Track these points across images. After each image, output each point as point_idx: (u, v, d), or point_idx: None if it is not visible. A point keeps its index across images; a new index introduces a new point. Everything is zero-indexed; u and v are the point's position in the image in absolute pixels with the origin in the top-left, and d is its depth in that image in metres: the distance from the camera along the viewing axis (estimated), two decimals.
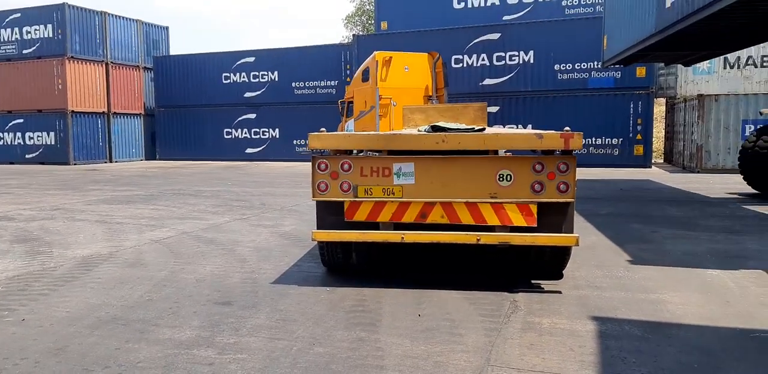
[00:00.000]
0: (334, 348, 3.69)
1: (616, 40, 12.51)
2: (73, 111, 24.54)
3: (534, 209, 4.89)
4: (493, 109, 20.79)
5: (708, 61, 20.90)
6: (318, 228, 5.21)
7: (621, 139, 20.24)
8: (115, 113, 26.22)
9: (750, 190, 11.89)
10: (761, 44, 20.54)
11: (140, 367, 3.43)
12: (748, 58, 20.67)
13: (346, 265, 5.57)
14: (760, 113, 14.41)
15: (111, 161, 25.79)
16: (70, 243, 7.22)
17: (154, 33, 28.76)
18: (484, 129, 5.60)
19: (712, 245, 6.88)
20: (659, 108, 26.93)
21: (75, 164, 24.24)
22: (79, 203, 11.28)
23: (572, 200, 4.88)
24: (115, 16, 26.54)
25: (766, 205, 10.25)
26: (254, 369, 3.38)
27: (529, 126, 20.72)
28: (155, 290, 5.09)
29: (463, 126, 5.85)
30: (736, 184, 13.06)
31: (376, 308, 4.53)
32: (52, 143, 24.99)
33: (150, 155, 27.42)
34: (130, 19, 27.29)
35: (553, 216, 4.93)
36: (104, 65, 25.91)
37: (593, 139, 20.49)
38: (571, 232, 4.95)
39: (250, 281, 5.38)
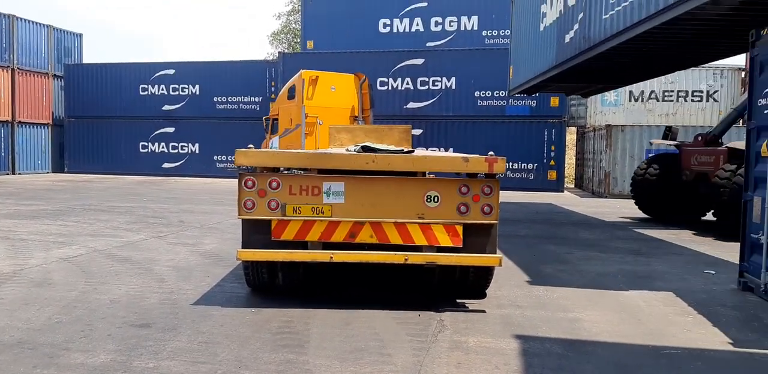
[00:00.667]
0: (260, 371, 3.59)
1: (521, 71, 13.17)
2: None
3: (460, 230, 4.99)
4: (417, 132, 21.15)
5: (615, 94, 22.44)
6: (243, 247, 5.08)
7: (536, 164, 21.10)
8: (20, 121, 24.65)
9: (642, 214, 12.69)
10: (662, 79, 22.36)
11: None
12: (651, 92, 22.28)
13: (271, 285, 5.45)
14: (650, 143, 15.62)
15: (14, 173, 24.13)
16: None
17: (67, 40, 27.44)
18: (412, 151, 5.70)
19: (622, 266, 7.26)
20: (571, 136, 28.38)
21: None
22: None
23: (496, 221, 5.03)
24: (24, 20, 25.15)
25: (660, 228, 10.93)
26: None
27: (451, 149, 21.27)
28: (65, 311, 4.78)
29: (393, 147, 5.92)
30: (635, 209, 13.90)
31: (303, 329, 4.46)
32: None
33: (58, 168, 25.89)
34: (40, 24, 25.91)
35: (478, 237, 5.06)
36: (10, 71, 24.40)
37: (510, 163, 21.22)
38: (495, 253, 5.09)
39: (170, 302, 5.16)
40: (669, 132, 12.79)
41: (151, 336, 4.19)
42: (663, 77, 22.23)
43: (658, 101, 22.31)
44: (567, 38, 9.25)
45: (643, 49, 8.19)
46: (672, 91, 22.24)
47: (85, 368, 3.58)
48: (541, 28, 10.95)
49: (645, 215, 12.55)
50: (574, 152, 25.91)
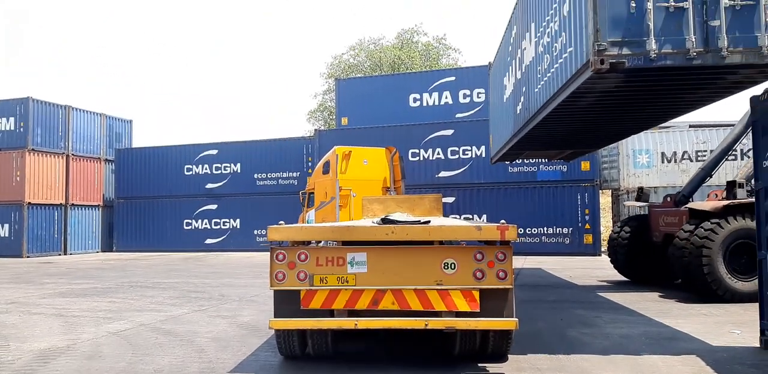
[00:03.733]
0: None
1: (495, 140, 13.75)
2: (29, 203, 24.39)
3: (477, 295, 5.30)
4: (449, 199, 21.67)
5: (647, 156, 22.71)
6: (275, 316, 5.48)
7: (571, 228, 21.13)
8: (72, 204, 26.12)
9: (618, 277, 12.59)
10: (693, 139, 22.59)
11: None
12: (684, 152, 22.45)
13: (302, 353, 5.79)
14: (624, 205, 15.52)
15: (66, 254, 25.32)
16: (27, 337, 7.23)
17: (118, 126, 29.41)
18: (429, 222, 6.11)
19: (646, 328, 7.32)
20: (606, 199, 28.35)
21: (28, 257, 23.72)
22: (34, 296, 11.17)
23: (511, 286, 5.33)
24: (79, 109, 27.18)
25: (628, 291, 10.80)
26: None
27: (484, 216, 21.58)
28: None
29: (412, 218, 6.35)
30: None
31: None
32: (6, 235, 24.54)
33: (106, 247, 27.06)
34: (93, 113, 27.93)
35: (495, 301, 5.34)
36: (65, 157, 26.14)
37: (545, 228, 21.35)
38: (512, 316, 5.35)
39: (208, 370, 5.53)
40: (642, 194, 12.87)
41: None
42: (694, 137, 22.61)
43: (691, 161, 22.33)
44: (518, 109, 9.80)
45: (573, 125, 8.67)
46: (705, 151, 22.30)
47: None
48: (504, 100, 11.54)
49: (620, 278, 12.45)
50: (610, 215, 25.84)
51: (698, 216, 9.74)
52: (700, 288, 9.40)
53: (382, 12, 68.62)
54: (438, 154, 22.57)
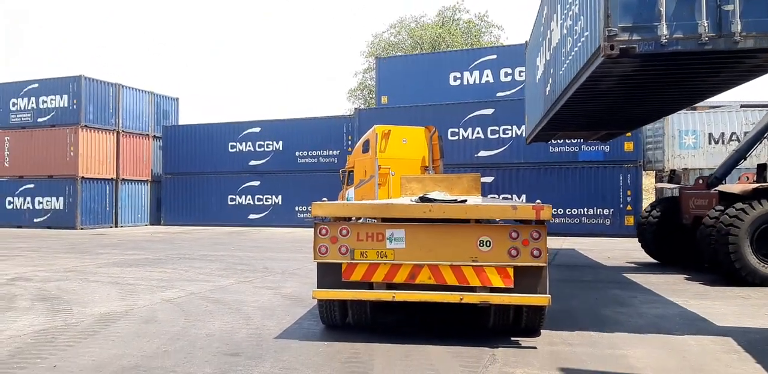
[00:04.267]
0: None
1: (530, 120, 13.67)
2: (83, 177, 25.46)
3: (511, 271, 5.51)
4: (488, 179, 21.69)
5: (694, 137, 22.21)
6: (318, 287, 5.81)
7: (612, 209, 20.95)
8: (123, 179, 27.15)
9: (649, 259, 12.48)
10: (743, 120, 21.97)
11: None
12: (732, 134, 21.87)
13: (343, 322, 6.12)
14: (656, 186, 15.15)
15: (117, 226, 26.42)
16: (87, 302, 7.77)
17: (165, 103, 30.24)
18: (465, 200, 6.30)
19: (683, 310, 7.41)
20: (650, 180, 27.88)
21: (82, 229, 24.87)
22: (90, 265, 11.85)
23: (545, 264, 5.51)
24: (128, 87, 28.06)
25: (656, 273, 10.78)
26: None
27: (523, 196, 21.55)
28: (170, 343, 5.62)
29: (449, 197, 6.55)
30: None
31: (368, 359, 5.07)
32: (61, 207, 25.73)
33: (155, 220, 28.10)
34: (142, 91, 28.81)
35: (528, 278, 5.54)
36: (115, 134, 27.10)
37: (585, 209, 21.23)
38: (545, 293, 5.54)
39: (256, 336, 5.92)
40: (673, 175, 12.67)
41: (241, 363, 4.93)
42: (743, 118, 21.98)
43: (739, 142, 21.76)
44: (547, 90, 9.76)
45: (593, 101, 8.61)
46: None
47: None
48: (537, 80, 11.48)
49: (650, 260, 12.37)
50: (654, 196, 25.46)
51: (727, 199, 9.66)
52: (726, 272, 9.36)
53: None
54: (478, 133, 22.54)
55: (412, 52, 39.68)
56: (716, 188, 10.37)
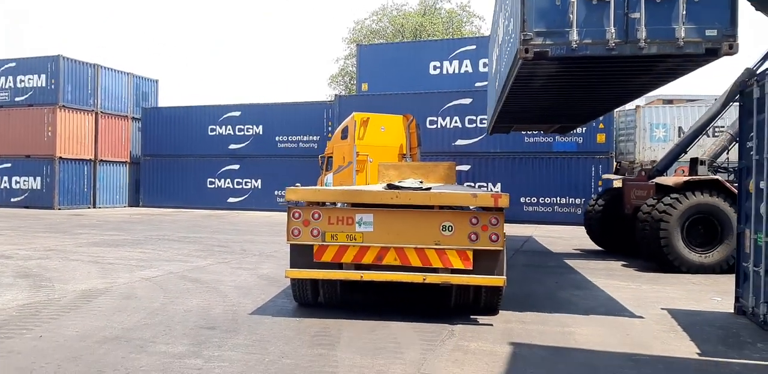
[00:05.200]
0: (298, 360, 4.61)
1: (488, 114, 14.19)
2: (60, 157, 25.39)
3: (471, 254, 5.92)
4: (465, 167, 22.14)
5: (664, 130, 22.84)
6: (291, 267, 6.17)
7: (584, 199, 21.50)
8: (101, 160, 27.10)
9: (595, 247, 13.13)
10: (722, 115, 22.61)
11: (143, 370, 4.32)
12: (710, 127, 22.50)
13: (314, 301, 6.50)
14: (601, 178, 15.91)
15: (95, 207, 26.44)
16: (68, 279, 8.05)
17: (144, 85, 30.12)
18: (430, 188, 6.69)
19: (637, 293, 7.93)
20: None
21: (59, 209, 24.87)
22: (70, 245, 12.07)
23: (501, 248, 5.93)
24: (107, 68, 27.89)
25: (597, 260, 11.39)
26: (234, 373, 4.29)
27: (498, 185, 22.07)
28: (149, 317, 5.96)
29: (415, 185, 6.93)
30: None
31: (336, 333, 5.46)
32: (38, 187, 25.68)
33: (133, 202, 28.14)
34: (121, 72, 28.64)
35: (487, 261, 5.97)
36: (94, 114, 26.99)
37: (557, 198, 21.81)
38: (502, 275, 5.98)
39: (231, 312, 6.28)
40: (620, 167, 13.26)
41: (216, 335, 5.30)
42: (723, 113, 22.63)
43: (709, 136, 22.30)
44: (496, 85, 10.14)
45: (532, 97, 9.09)
46: (723, 126, 22.37)
47: (167, 355, 4.69)
48: (492, 74, 11.85)
49: (595, 248, 13.02)
50: None
51: (663, 190, 10.16)
52: (658, 260, 9.88)
53: None
54: (455, 122, 22.93)
55: (393, 39, 39.83)
56: (653, 180, 10.86)
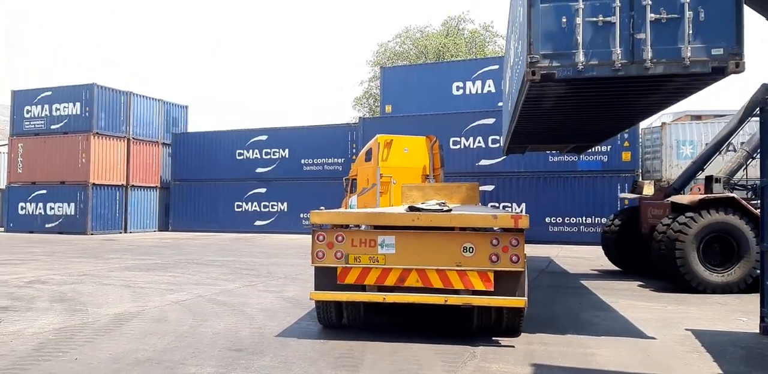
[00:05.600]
0: None
1: (503, 134, 14.18)
2: (94, 183, 26.11)
3: (491, 275, 6.01)
4: (489, 188, 22.17)
5: (691, 147, 22.60)
6: (315, 290, 6.33)
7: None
8: (132, 185, 27.79)
9: (613, 267, 12.94)
10: (740, 131, 22.36)
11: None
12: (728, 144, 22.21)
13: (339, 322, 6.63)
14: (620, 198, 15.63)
15: (126, 232, 27.04)
16: (102, 303, 8.31)
17: (174, 111, 30.96)
18: (451, 210, 6.81)
19: (661, 314, 7.88)
20: (649, 190, 28.20)
21: (92, 234, 25.49)
22: (103, 269, 12.42)
23: (522, 269, 6.01)
24: (140, 95, 28.78)
25: (614, 280, 11.27)
26: None
27: (523, 205, 22.03)
28: (179, 339, 6.15)
29: (437, 206, 7.07)
30: None
31: (359, 355, 5.57)
32: (72, 213, 26.39)
33: (163, 226, 28.70)
34: (152, 99, 29.51)
35: (508, 282, 6.04)
36: (126, 141, 27.78)
37: (583, 218, 21.67)
38: (523, 296, 6.04)
39: (258, 334, 6.44)
40: (636, 186, 13.09)
41: (244, 357, 5.45)
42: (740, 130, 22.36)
43: (735, 152, 22.10)
44: (510, 105, 10.21)
45: (542, 118, 9.15)
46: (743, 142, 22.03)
47: None
48: (506, 95, 11.92)
49: (613, 268, 12.82)
50: None
51: (678, 209, 10.06)
52: (674, 279, 9.75)
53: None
54: (479, 142, 23.04)
55: (416, 61, 40.29)
56: (669, 199, 10.76)
